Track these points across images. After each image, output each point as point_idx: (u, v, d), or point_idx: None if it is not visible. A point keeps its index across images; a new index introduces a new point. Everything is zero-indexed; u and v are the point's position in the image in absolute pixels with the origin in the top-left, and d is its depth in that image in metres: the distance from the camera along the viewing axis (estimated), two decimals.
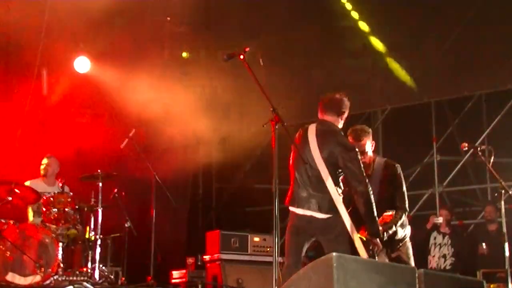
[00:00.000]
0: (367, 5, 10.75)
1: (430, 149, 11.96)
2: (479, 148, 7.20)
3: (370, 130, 6.57)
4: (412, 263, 6.45)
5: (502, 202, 6.86)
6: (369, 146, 6.46)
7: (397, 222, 6.30)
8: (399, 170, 6.51)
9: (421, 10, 10.55)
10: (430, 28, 10.65)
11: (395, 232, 6.34)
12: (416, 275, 4.48)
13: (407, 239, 6.55)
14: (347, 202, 5.89)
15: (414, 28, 10.63)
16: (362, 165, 5.76)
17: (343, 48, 11.13)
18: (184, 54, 12.31)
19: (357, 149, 5.84)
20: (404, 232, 6.49)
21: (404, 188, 6.50)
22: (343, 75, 11.15)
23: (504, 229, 6.87)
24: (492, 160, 7.10)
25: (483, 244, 10.08)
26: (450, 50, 10.66)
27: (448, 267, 10.06)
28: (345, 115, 6.09)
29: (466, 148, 7.24)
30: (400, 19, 10.62)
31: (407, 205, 6.47)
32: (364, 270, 4.17)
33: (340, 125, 6.08)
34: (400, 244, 6.48)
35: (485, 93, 11.61)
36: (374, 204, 5.73)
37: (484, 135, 11.38)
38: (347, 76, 11.20)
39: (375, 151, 6.64)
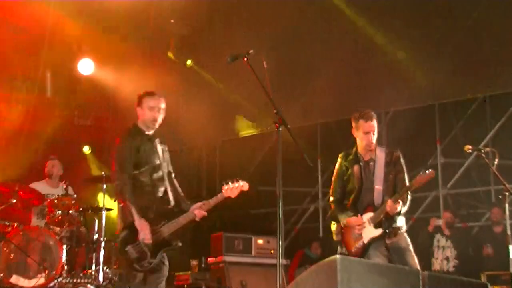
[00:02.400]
0: (371, 9, 10.74)
1: (434, 151, 11.95)
2: (483, 150, 7.20)
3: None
4: (412, 250, 6.44)
5: (506, 205, 6.86)
6: (376, 129, 6.58)
7: (406, 203, 6.37)
8: (400, 154, 6.62)
9: (424, 12, 10.54)
10: (433, 30, 10.63)
11: (394, 220, 6.39)
12: (420, 277, 4.48)
13: (404, 229, 6.52)
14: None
15: (417, 30, 10.62)
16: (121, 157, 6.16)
17: (346, 51, 11.12)
18: (189, 62, 12.32)
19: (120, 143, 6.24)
20: (402, 221, 6.50)
21: (406, 174, 6.56)
22: (346, 77, 11.14)
23: (509, 231, 6.87)
24: (496, 162, 7.09)
25: (488, 245, 10.09)
26: (454, 52, 10.64)
27: (451, 269, 10.06)
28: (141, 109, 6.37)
29: (470, 150, 7.22)
30: (403, 21, 10.61)
31: None
32: (368, 272, 4.18)
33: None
34: (398, 232, 6.46)
35: (489, 96, 11.60)
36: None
37: (488, 137, 11.38)
38: (349, 78, 11.19)
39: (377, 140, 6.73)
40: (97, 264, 8.55)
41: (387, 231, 6.36)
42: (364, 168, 6.57)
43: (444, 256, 10.19)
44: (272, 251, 9.43)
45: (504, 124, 11.38)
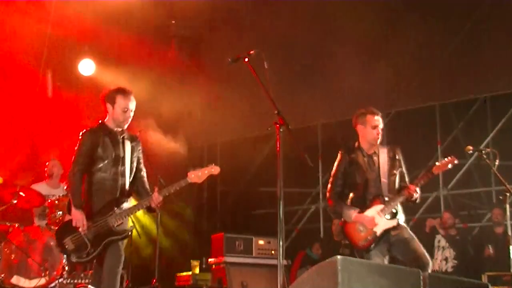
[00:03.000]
0: (372, 10, 10.74)
1: (434, 152, 11.94)
2: (483, 151, 7.21)
3: None
4: (416, 238, 6.54)
5: (507, 205, 6.86)
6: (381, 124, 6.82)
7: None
8: (400, 151, 6.85)
9: (426, 13, 10.54)
10: (435, 31, 10.64)
11: (396, 213, 6.55)
12: (421, 277, 4.48)
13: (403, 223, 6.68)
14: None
15: (419, 31, 10.62)
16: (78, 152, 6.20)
17: (347, 52, 11.13)
18: None
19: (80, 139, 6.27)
20: (403, 218, 6.66)
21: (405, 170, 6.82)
22: (346, 78, 11.14)
23: (510, 232, 6.87)
24: (496, 163, 7.11)
25: (489, 246, 10.09)
26: (455, 53, 10.65)
27: (449, 270, 10.05)
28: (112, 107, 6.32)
29: (471, 151, 7.25)
30: (404, 22, 10.61)
31: None
32: (369, 272, 4.18)
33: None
34: (400, 225, 6.60)
35: (489, 96, 11.61)
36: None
37: (488, 138, 11.38)
38: (350, 79, 11.19)
39: None
40: None
41: (399, 221, 6.52)
42: (369, 161, 6.69)
43: (443, 257, 10.19)
44: (273, 252, 9.43)
45: (504, 125, 11.38)
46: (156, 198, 6.15)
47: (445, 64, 10.85)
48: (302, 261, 11.72)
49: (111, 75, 11.46)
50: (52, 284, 8.03)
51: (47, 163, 9.63)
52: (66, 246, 6.05)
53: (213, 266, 9.43)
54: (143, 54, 11.45)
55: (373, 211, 6.50)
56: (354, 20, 10.88)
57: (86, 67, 11.41)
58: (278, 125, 5.31)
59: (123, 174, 6.24)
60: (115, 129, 6.31)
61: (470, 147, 7.17)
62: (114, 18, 10.50)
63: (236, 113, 12.26)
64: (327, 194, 6.80)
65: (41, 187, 9.17)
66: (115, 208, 6.12)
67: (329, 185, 6.80)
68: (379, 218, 6.47)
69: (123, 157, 6.26)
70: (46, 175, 9.55)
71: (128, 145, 6.34)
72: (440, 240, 10.31)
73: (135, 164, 6.40)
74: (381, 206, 6.48)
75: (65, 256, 6.19)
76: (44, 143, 11.11)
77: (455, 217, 10.50)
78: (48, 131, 11.31)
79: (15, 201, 8.33)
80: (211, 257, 9.50)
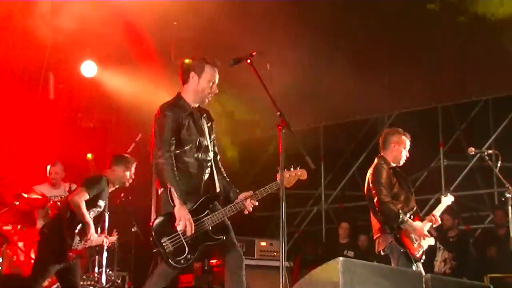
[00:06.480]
0: (374, 10, 10.74)
1: (437, 153, 11.94)
2: (486, 153, 7.20)
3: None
4: None
5: (510, 207, 6.86)
6: None
7: None
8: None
9: (427, 14, 10.54)
10: (437, 33, 10.63)
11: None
12: (423, 279, 4.48)
13: None
14: None
15: (421, 32, 10.61)
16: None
17: (349, 55, 11.12)
18: None
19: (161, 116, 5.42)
20: None
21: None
22: (350, 80, 11.13)
23: None
24: (499, 165, 7.11)
25: (492, 247, 10.10)
26: (457, 55, 10.64)
27: (447, 271, 10.04)
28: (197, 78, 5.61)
29: (473, 153, 7.26)
30: (405, 23, 10.60)
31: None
32: (371, 274, 4.18)
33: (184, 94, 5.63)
34: None
35: (491, 98, 11.60)
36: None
37: (491, 139, 11.37)
38: (353, 81, 11.18)
39: None
40: (100, 266, 8.55)
41: None
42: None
43: (442, 258, 10.18)
44: (275, 254, 9.42)
45: (507, 127, 11.37)
46: (250, 204, 5.51)
47: (447, 65, 10.84)
48: (299, 264, 11.73)
49: (113, 77, 11.46)
50: (54, 286, 8.02)
51: (48, 167, 9.61)
52: (166, 248, 5.31)
53: (215, 268, 9.42)
54: (145, 55, 11.44)
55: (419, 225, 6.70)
56: (354, 23, 10.88)
57: (88, 68, 11.41)
58: (280, 127, 5.27)
59: (206, 161, 5.57)
60: (193, 105, 5.58)
61: (472, 149, 7.17)
62: (115, 20, 10.50)
63: (237, 115, 12.26)
64: (386, 199, 6.58)
65: (43, 188, 9.16)
66: (210, 206, 5.44)
67: (382, 191, 6.62)
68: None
69: (206, 143, 5.58)
70: (47, 177, 9.53)
71: (206, 126, 5.66)
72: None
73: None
74: (420, 224, 6.73)
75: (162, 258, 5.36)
76: (45, 144, 11.11)
77: (454, 219, 10.47)
78: (50, 133, 11.32)
79: (17, 203, 8.33)
80: (213, 259, 9.50)
